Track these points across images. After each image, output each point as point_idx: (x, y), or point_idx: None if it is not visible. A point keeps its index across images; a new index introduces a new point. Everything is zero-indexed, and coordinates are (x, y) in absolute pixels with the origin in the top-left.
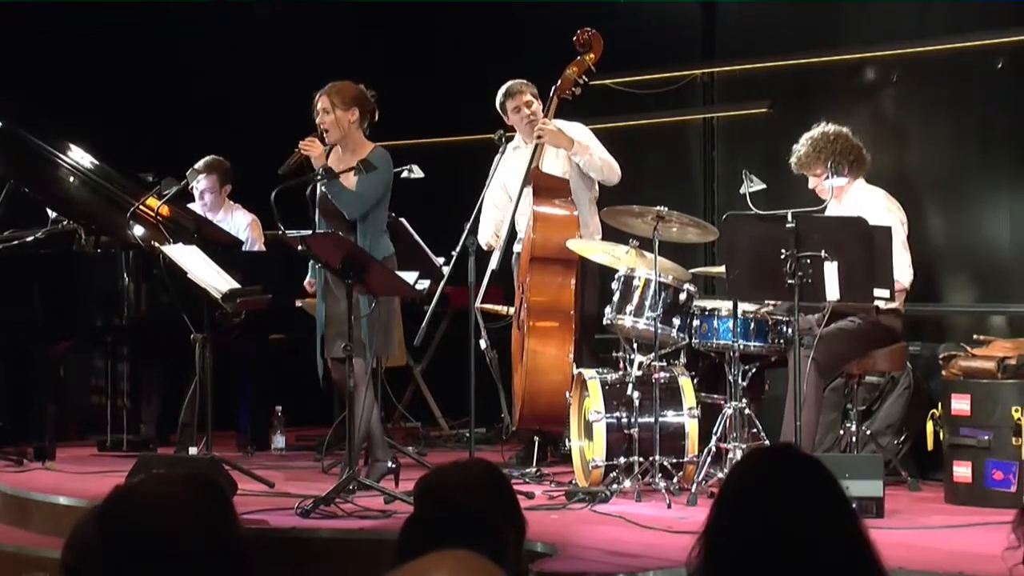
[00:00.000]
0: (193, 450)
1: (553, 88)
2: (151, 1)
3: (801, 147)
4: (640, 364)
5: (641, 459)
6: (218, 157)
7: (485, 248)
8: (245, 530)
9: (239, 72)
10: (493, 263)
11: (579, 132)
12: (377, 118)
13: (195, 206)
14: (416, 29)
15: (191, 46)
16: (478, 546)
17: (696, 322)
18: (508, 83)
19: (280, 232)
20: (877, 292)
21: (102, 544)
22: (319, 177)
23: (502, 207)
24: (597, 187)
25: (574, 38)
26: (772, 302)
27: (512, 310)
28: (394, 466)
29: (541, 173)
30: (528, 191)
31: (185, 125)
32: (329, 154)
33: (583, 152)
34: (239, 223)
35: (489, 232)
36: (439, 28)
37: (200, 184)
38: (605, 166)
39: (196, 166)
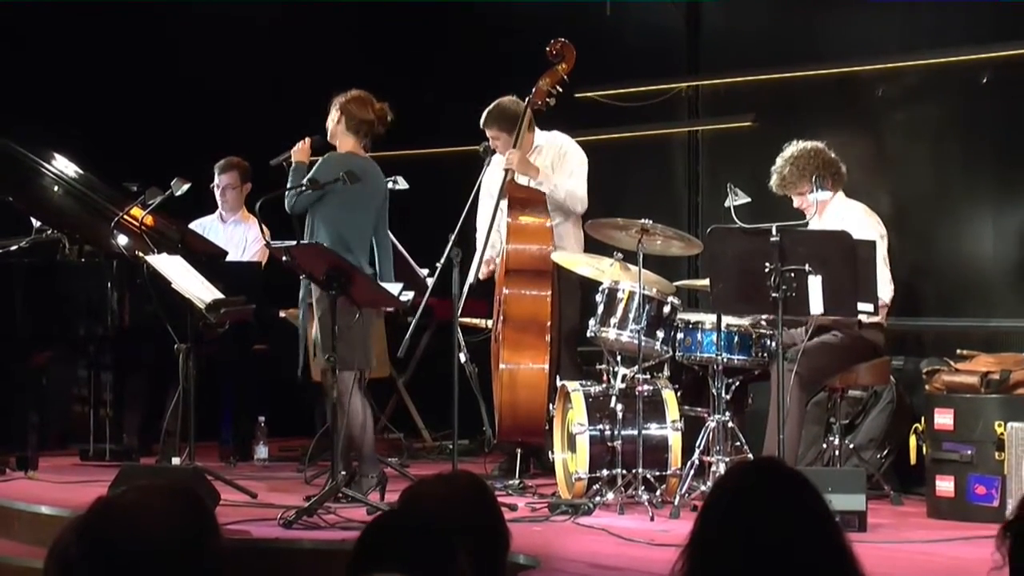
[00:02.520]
0: (176, 460)
1: (527, 99)
2: (138, 8)
3: (784, 167)
4: (624, 377)
5: (624, 471)
6: (237, 157)
7: (483, 278)
8: (227, 542)
9: (228, 81)
10: (470, 276)
11: (573, 152)
12: (380, 133)
13: (212, 220)
14: (401, 39)
15: (181, 54)
16: (461, 556)
17: (680, 335)
18: (491, 106)
19: (265, 242)
20: (861, 306)
21: (84, 555)
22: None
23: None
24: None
25: (547, 48)
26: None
27: (491, 323)
28: (379, 480)
29: (516, 185)
30: (504, 203)
31: (172, 134)
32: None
33: (548, 182)
34: (251, 235)
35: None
36: (425, 38)
37: (221, 181)
38: (568, 197)
39: (217, 164)
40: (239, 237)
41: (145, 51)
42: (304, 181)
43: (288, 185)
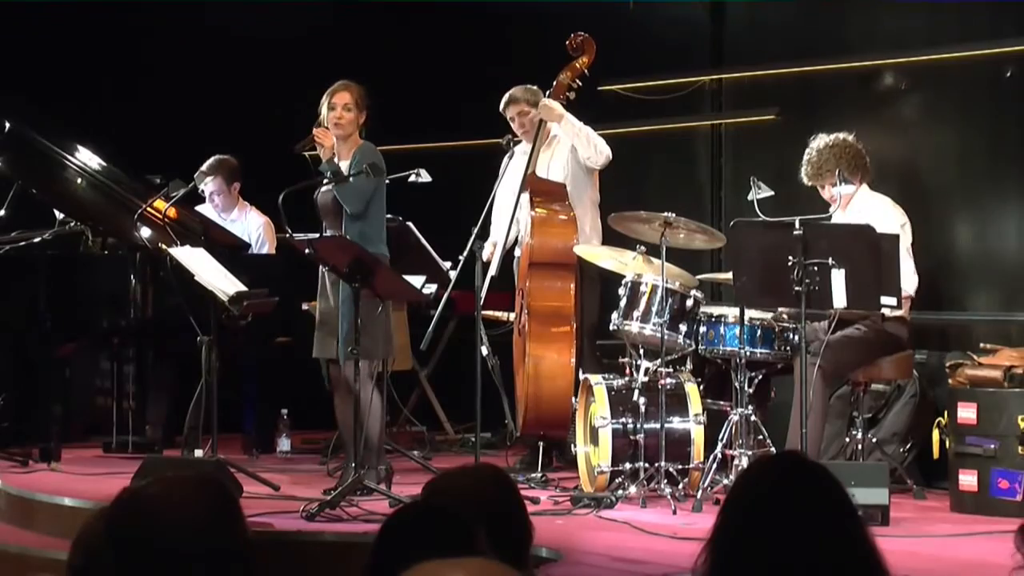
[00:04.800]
0: (199, 452)
1: (547, 93)
2: (161, 3)
3: (811, 157)
4: (646, 370)
5: (646, 465)
6: (223, 156)
7: (484, 261)
8: (252, 534)
9: (246, 74)
10: (493, 269)
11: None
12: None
13: (206, 208)
14: (422, 31)
15: (205, 47)
16: (483, 549)
17: (703, 328)
18: (510, 91)
19: (288, 235)
20: (884, 300)
21: (110, 546)
22: (326, 179)
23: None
24: (597, 189)
25: (567, 42)
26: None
27: (512, 316)
28: (385, 474)
29: (537, 178)
30: (525, 196)
31: (194, 127)
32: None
33: (570, 125)
34: (252, 224)
35: (500, 237)
36: (446, 30)
37: (208, 187)
38: (591, 143)
39: (202, 168)
40: (242, 231)
41: (169, 44)
42: (328, 173)
43: (328, 179)
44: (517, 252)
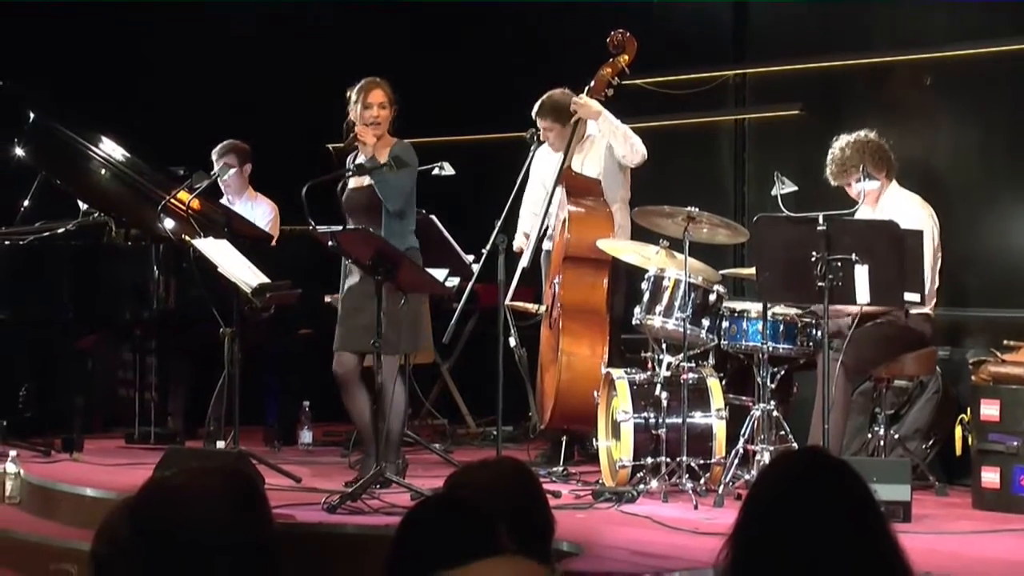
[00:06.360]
0: (220, 444)
1: (587, 89)
2: (163, 1)
3: (834, 158)
4: (669, 365)
5: (668, 460)
6: (235, 140)
7: (516, 251)
8: (277, 525)
9: (271, 67)
10: (524, 261)
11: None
12: None
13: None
14: (449, 26)
15: (221, 42)
16: (504, 542)
17: (725, 323)
18: (543, 98)
19: (311, 228)
20: (908, 296)
21: (134, 537)
22: (350, 172)
23: (540, 206)
24: (628, 188)
25: (608, 39)
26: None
27: (542, 308)
28: (398, 469)
29: (574, 174)
30: (560, 190)
31: (194, 125)
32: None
33: (608, 122)
34: (259, 212)
35: (532, 229)
36: (472, 25)
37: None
38: (628, 141)
39: (214, 150)
40: (248, 213)
41: (192, 38)
42: (351, 167)
43: (371, 176)
44: (546, 246)
